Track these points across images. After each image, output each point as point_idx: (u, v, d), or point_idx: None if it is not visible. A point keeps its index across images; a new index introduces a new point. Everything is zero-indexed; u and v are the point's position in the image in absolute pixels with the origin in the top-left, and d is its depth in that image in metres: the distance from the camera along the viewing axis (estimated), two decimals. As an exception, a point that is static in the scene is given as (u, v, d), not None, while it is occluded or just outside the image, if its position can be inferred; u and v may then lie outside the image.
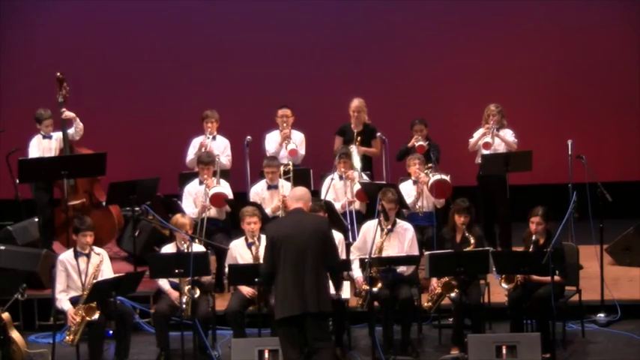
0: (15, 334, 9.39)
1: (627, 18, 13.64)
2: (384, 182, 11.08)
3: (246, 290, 9.58)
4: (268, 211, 10.77)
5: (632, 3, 13.62)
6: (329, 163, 11.46)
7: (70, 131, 11.38)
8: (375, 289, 9.31)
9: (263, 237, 9.84)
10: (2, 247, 10.87)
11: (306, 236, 8.07)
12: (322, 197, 10.82)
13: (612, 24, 13.64)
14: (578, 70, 13.68)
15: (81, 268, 9.44)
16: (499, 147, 11.54)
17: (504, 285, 9.41)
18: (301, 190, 8.47)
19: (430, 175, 10.83)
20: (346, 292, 9.45)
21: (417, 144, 11.43)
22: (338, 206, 10.84)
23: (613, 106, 13.74)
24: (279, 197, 10.85)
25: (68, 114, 11.30)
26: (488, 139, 11.46)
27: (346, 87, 12.49)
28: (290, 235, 8.08)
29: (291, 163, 11.34)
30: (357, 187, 10.91)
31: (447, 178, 10.79)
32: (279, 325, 8.17)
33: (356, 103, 11.71)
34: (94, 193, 11.57)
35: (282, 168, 11.14)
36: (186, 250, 9.38)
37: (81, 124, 11.41)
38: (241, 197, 11.25)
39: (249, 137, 11.67)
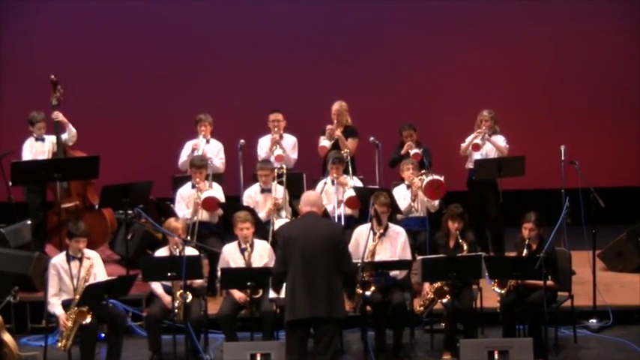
0: (7, 337, 9.35)
1: (621, 23, 13.67)
2: (377, 187, 11.07)
3: (238, 295, 9.57)
4: (262, 214, 10.76)
5: (626, 8, 13.64)
6: (322, 167, 11.48)
7: (64, 136, 11.38)
8: (367, 293, 9.30)
9: (256, 242, 9.86)
10: (-5, 250, 10.88)
11: (318, 241, 8.04)
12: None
13: (606, 29, 13.67)
14: (571, 75, 13.71)
15: (73, 272, 9.42)
16: (490, 152, 11.56)
17: (497, 290, 9.42)
18: (314, 195, 8.52)
19: (424, 177, 10.83)
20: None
21: (411, 152, 11.40)
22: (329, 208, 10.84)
23: (606, 111, 13.77)
24: (273, 201, 10.85)
25: (61, 118, 11.30)
26: (478, 141, 11.47)
27: (339, 91, 12.46)
28: (302, 238, 8.06)
29: (284, 166, 11.32)
30: (349, 193, 10.87)
31: (441, 178, 10.78)
32: (287, 326, 8.16)
33: (335, 107, 11.70)
34: (87, 195, 11.56)
35: (275, 171, 11.11)
36: (178, 254, 9.38)
37: (74, 130, 11.42)
38: (234, 201, 11.25)
39: (242, 141, 11.66)
